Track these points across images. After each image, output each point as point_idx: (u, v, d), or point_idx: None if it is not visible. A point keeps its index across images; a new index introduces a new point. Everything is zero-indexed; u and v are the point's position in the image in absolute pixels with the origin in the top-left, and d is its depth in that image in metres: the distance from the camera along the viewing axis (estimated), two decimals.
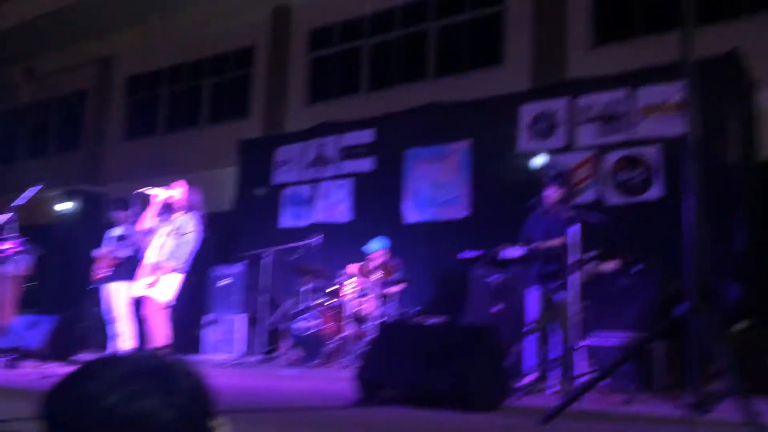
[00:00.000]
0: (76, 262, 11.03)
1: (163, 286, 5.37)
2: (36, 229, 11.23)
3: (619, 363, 3.29)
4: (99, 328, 9.69)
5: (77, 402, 1.01)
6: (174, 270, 5.36)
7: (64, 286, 11.64)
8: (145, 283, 5.36)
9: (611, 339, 5.77)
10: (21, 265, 7.35)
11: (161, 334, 5.38)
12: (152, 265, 5.39)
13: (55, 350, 6.50)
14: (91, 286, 7.92)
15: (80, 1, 13.08)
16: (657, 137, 7.12)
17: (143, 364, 1.09)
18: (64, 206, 12.31)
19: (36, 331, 6.67)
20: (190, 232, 5.42)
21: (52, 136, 15.86)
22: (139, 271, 5.46)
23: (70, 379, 1.07)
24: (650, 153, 7.18)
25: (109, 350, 7.86)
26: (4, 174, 15.42)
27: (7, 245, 6.07)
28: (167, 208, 5.52)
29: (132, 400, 1.01)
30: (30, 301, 8.55)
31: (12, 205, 6.03)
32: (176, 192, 5.54)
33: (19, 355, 5.84)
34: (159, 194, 5.47)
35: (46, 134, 15.95)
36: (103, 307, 7.95)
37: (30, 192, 6.19)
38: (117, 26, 13.50)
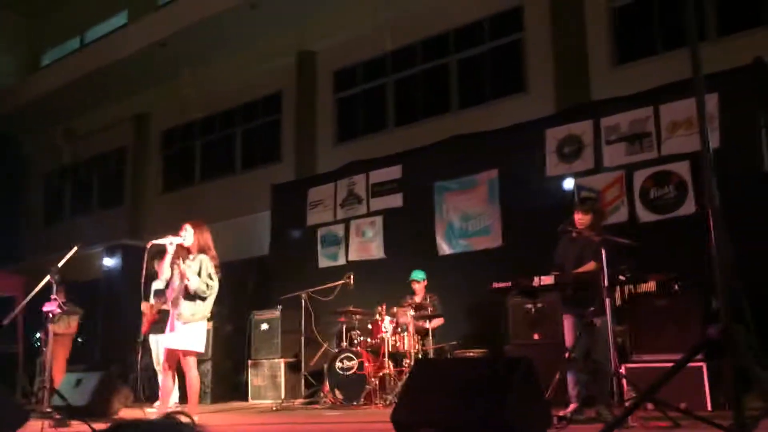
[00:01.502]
0: (121, 316, 11.30)
1: (191, 337, 5.42)
2: (84, 286, 11.58)
3: (660, 385, 3.21)
4: (147, 381, 9.87)
5: None
6: (197, 318, 5.40)
7: (111, 341, 11.89)
8: (175, 336, 5.42)
9: (652, 361, 5.64)
10: (67, 324, 7.56)
11: (196, 385, 5.43)
12: (175, 315, 5.46)
13: (100, 407, 6.61)
14: (140, 339, 8.11)
15: (114, 61, 13.62)
16: (685, 153, 7.03)
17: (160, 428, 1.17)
18: (109, 262, 12.65)
19: (81, 388, 6.82)
20: (204, 275, 5.45)
21: (96, 194, 16.38)
22: (168, 322, 5.54)
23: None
24: (680, 169, 7.07)
25: (158, 402, 7.99)
26: (51, 233, 15.95)
27: (52, 305, 6.25)
28: (184, 254, 5.57)
29: None
30: (79, 357, 8.77)
31: (58, 264, 6.21)
32: (185, 236, 5.58)
33: (66, 413, 5.96)
34: (171, 242, 5.52)
35: (89, 192, 16.48)
36: (153, 359, 8.11)
37: (71, 251, 6.38)
38: (149, 83, 13.98)
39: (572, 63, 9.33)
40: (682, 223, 6.97)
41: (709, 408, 5.32)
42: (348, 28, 11.69)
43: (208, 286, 5.44)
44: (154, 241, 5.50)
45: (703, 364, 5.41)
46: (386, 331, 7.54)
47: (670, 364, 5.27)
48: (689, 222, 6.94)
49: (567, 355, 5.29)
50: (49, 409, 5.90)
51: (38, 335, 9.67)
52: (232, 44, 12.47)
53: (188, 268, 5.46)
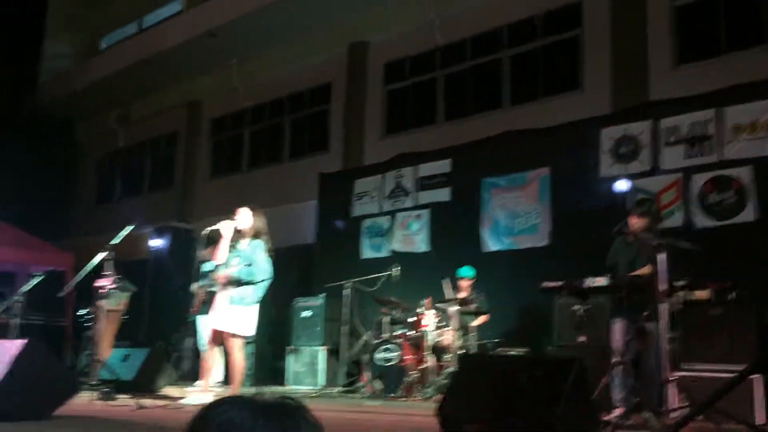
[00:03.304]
0: (167, 296, 11.53)
1: (239, 320, 5.47)
2: (131, 265, 11.84)
3: (716, 398, 3.11)
4: (191, 360, 10.05)
5: (227, 427, 1.10)
6: (247, 303, 5.45)
7: (156, 320, 12.14)
8: (222, 318, 5.48)
9: (705, 371, 5.48)
10: (117, 301, 7.74)
11: (240, 367, 5.48)
12: (225, 297, 5.51)
13: (146, 382, 6.75)
14: (189, 320, 8.26)
15: (168, 48, 13.85)
16: (748, 158, 6.80)
17: (274, 402, 1.19)
18: (157, 243, 12.91)
19: (129, 363, 6.97)
20: (258, 260, 5.49)
21: (147, 177, 16.73)
22: (216, 305, 5.60)
23: (215, 406, 1.18)
24: (742, 174, 6.85)
25: (200, 382, 8.12)
26: (104, 214, 16.35)
27: (105, 281, 6.39)
28: (237, 238, 5.62)
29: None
30: (125, 334, 8.96)
31: (110, 243, 6.35)
32: (241, 220, 5.62)
33: (114, 387, 6.10)
34: (227, 227, 5.58)
35: (141, 175, 16.84)
36: (198, 340, 8.25)
37: (125, 230, 6.51)
38: (202, 71, 14.17)
39: (631, 62, 9.10)
40: (740, 231, 6.76)
41: (761, 421, 5.15)
42: (400, 21, 11.64)
43: (260, 271, 5.48)
44: (213, 227, 5.57)
45: (757, 376, 5.23)
46: (428, 325, 7.52)
47: (721, 375, 5.15)
48: (748, 229, 6.73)
49: (615, 359, 5.18)
50: (97, 382, 6.06)
51: (86, 310, 9.92)
52: (283, 34, 12.53)
53: (240, 254, 5.53)
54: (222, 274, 5.58)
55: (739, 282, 5.84)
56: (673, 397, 5.22)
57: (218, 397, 1.20)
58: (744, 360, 5.20)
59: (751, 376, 5.20)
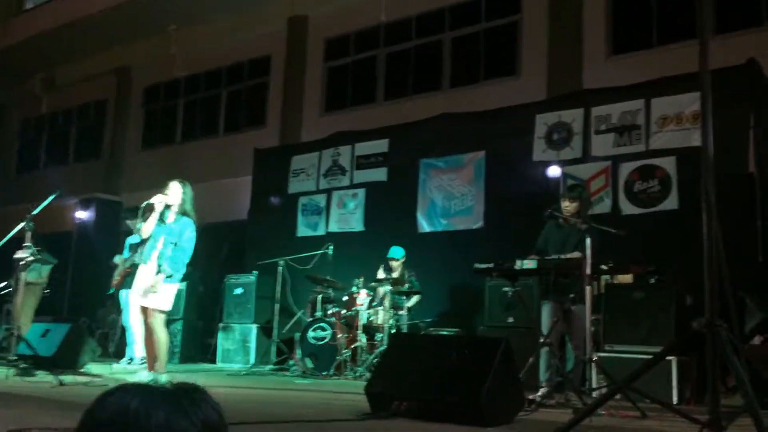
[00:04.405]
0: (91, 270, 11.14)
1: (161, 295, 5.32)
2: (54, 237, 11.37)
3: (634, 377, 3.23)
4: (114, 336, 9.77)
5: (121, 415, 1.06)
6: (169, 278, 5.30)
7: (79, 294, 11.74)
8: (145, 292, 5.33)
9: (626, 352, 5.70)
10: (38, 274, 7.42)
11: (161, 342, 5.35)
12: (150, 273, 5.36)
13: (67, 358, 6.52)
14: (109, 293, 8.00)
15: (98, 11, 13.24)
16: (673, 148, 7.06)
17: (170, 388, 1.16)
18: (82, 215, 12.44)
19: (49, 339, 6.71)
20: (184, 239, 5.36)
21: (73, 146, 16.04)
22: (140, 279, 5.43)
23: (109, 394, 1.14)
24: (666, 164, 7.11)
25: (126, 357, 7.92)
26: (26, 182, 15.62)
27: (24, 253, 6.11)
28: (165, 213, 5.46)
29: (168, 421, 1.06)
30: (46, 309, 8.63)
31: (31, 213, 6.07)
32: (171, 195, 5.46)
33: (33, 363, 5.87)
34: (159, 201, 5.41)
35: (66, 143, 16.13)
36: (124, 315, 8.02)
37: (48, 200, 6.23)
38: (135, 36, 13.63)
39: (567, 50, 9.28)
40: (663, 218, 7.02)
41: (675, 401, 5.40)
42: None
43: (185, 253, 5.34)
44: (149, 201, 5.38)
45: (673, 358, 5.48)
46: (362, 304, 7.53)
47: (641, 356, 5.36)
48: (671, 217, 7.00)
49: (542, 339, 5.32)
50: (15, 358, 5.81)
51: (5, 283, 9.49)
52: (222, 3, 12.19)
53: (167, 230, 5.36)
54: (154, 246, 5.41)
55: (661, 267, 6.09)
56: (595, 377, 5.43)
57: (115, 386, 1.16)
58: (664, 342, 5.43)
59: (669, 358, 5.45)
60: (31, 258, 5.98)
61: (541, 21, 9.62)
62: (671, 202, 7.02)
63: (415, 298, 7.86)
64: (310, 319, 7.86)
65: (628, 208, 7.31)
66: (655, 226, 6.97)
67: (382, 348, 7.11)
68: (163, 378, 4.98)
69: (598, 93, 7.97)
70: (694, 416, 3.06)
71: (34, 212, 6.08)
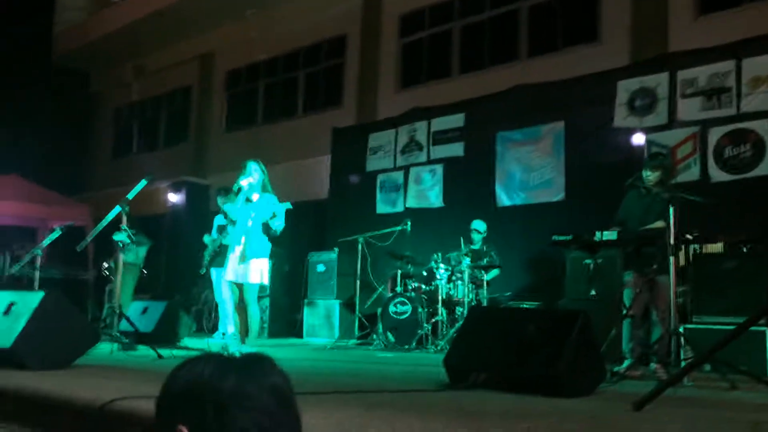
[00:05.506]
0: (184, 250, 11.70)
1: (257, 271, 5.57)
2: (148, 220, 12.01)
3: (718, 348, 3.14)
4: (208, 312, 10.26)
5: (197, 382, 1.19)
6: (265, 254, 5.54)
7: (173, 273, 12.36)
8: (238, 269, 5.58)
9: (713, 323, 5.51)
10: (135, 255, 7.87)
11: (254, 316, 5.60)
12: (241, 252, 5.60)
13: (165, 334, 6.92)
14: (202, 272, 8.40)
15: (181, 0, 13.73)
16: (766, 110, 6.68)
17: (241, 357, 1.26)
18: (174, 198, 13.05)
19: (148, 316, 7.13)
20: (271, 218, 5.57)
21: (162, 131, 16.78)
22: (232, 258, 5.69)
23: (187, 363, 1.27)
24: (759, 127, 6.74)
25: (219, 332, 8.31)
26: (120, 167, 16.50)
27: (122, 235, 6.49)
28: (249, 192, 5.69)
29: (239, 386, 1.17)
30: (144, 287, 9.14)
31: (126, 197, 6.41)
32: (255, 176, 5.69)
33: (134, 338, 6.27)
34: (245, 182, 5.64)
35: (156, 129, 16.89)
36: (216, 292, 8.41)
37: (141, 184, 6.57)
38: (216, 23, 14.07)
39: (650, 11, 8.87)
40: (756, 185, 6.69)
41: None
42: None
43: (281, 222, 5.58)
44: (239, 184, 5.63)
45: (766, 329, 5.26)
46: (441, 279, 7.59)
47: (731, 327, 5.16)
48: (764, 183, 6.65)
49: (625, 311, 5.22)
50: (118, 334, 6.22)
51: (106, 264, 10.10)
52: None
53: (254, 208, 5.60)
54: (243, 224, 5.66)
55: (754, 235, 5.82)
56: (681, 349, 5.28)
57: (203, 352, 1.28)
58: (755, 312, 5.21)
59: (762, 328, 5.23)
60: (128, 240, 6.34)
61: None
62: (765, 168, 6.67)
63: (494, 272, 7.84)
64: (391, 294, 7.99)
65: (718, 174, 7.00)
66: (748, 193, 6.65)
67: (462, 322, 7.15)
68: (248, 350, 5.22)
69: (683, 56, 7.62)
70: None
71: (129, 196, 6.42)
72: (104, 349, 5.80)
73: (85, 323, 5.11)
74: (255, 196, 5.69)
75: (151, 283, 10.93)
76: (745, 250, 5.83)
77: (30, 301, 4.47)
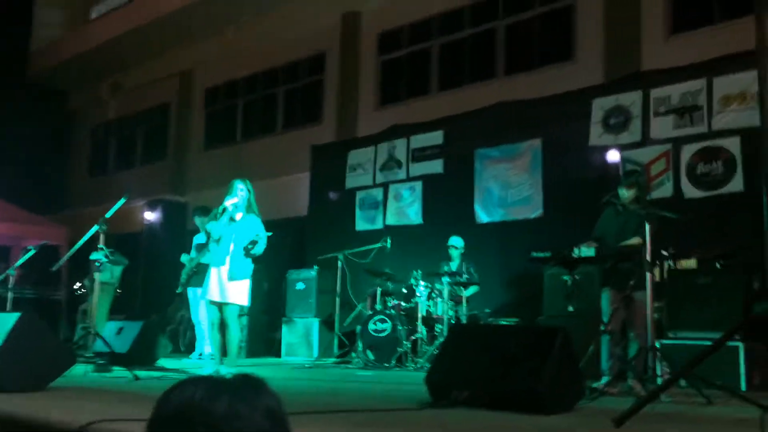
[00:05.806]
0: (160, 269, 11.59)
1: (239, 292, 5.54)
2: (124, 238, 11.88)
3: (695, 363, 3.19)
4: (184, 332, 10.15)
5: (188, 405, 1.17)
6: (242, 275, 5.51)
7: (150, 293, 12.22)
8: (218, 290, 5.54)
9: (689, 339, 5.58)
10: (111, 274, 7.78)
11: (233, 336, 5.56)
12: (222, 271, 5.57)
13: (141, 354, 6.82)
14: (179, 291, 8.33)
15: (159, 17, 13.71)
16: (737, 128, 6.83)
17: (232, 379, 1.25)
18: (150, 216, 12.94)
19: (123, 336, 7.03)
20: (254, 236, 5.56)
21: (139, 149, 16.65)
22: (213, 279, 5.65)
23: (177, 386, 1.25)
24: (730, 145, 6.88)
25: (196, 352, 8.22)
26: (97, 186, 16.32)
27: (99, 255, 6.41)
28: (233, 212, 5.67)
29: (232, 408, 1.15)
30: (119, 307, 9.03)
31: (104, 216, 6.35)
32: (241, 195, 5.69)
33: (109, 359, 6.18)
34: (230, 203, 5.64)
35: (133, 147, 16.76)
36: (192, 312, 8.33)
37: (119, 203, 6.51)
38: (194, 40, 14.07)
39: (624, 31, 9.04)
40: (728, 201, 6.82)
41: (743, 388, 5.26)
42: None
43: (263, 245, 5.58)
44: (224, 204, 5.62)
45: (740, 345, 5.34)
46: (420, 296, 7.60)
47: (706, 343, 5.23)
48: (736, 200, 6.78)
49: (603, 328, 5.26)
50: (92, 355, 6.13)
51: (80, 284, 9.96)
52: (276, 2, 12.43)
53: (236, 229, 5.59)
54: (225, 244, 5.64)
55: (727, 251, 5.92)
56: (658, 365, 5.33)
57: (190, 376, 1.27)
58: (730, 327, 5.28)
59: (736, 344, 5.31)
60: (105, 259, 6.27)
61: (597, 2, 9.42)
62: (736, 184, 6.80)
63: (473, 289, 7.87)
64: (370, 311, 7.98)
65: (690, 191, 7.13)
66: (721, 209, 6.77)
67: (441, 339, 7.15)
68: (227, 370, 5.18)
69: (656, 74, 7.77)
70: (760, 402, 3.00)
71: (107, 215, 6.36)
72: (78, 370, 5.71)
73: (60, 344, 5.03)
74: (239, 216, 5.68)
75: (126, 302, 10.81)
76: (718, 265, 5.92)
77: (5, 322, 4.40)
